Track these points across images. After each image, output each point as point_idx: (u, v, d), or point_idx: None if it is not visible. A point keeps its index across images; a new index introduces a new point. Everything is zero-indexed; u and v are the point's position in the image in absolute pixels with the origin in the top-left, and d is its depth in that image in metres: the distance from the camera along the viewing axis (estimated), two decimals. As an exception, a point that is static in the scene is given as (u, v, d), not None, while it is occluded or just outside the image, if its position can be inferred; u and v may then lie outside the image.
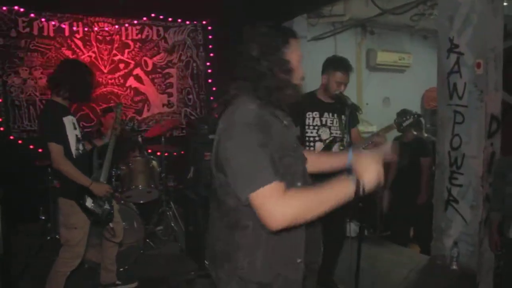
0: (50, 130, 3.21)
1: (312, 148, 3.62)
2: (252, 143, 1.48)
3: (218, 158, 1.58)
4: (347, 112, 3.08)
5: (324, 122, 3.62)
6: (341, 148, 3.62)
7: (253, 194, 1.43)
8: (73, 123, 3.38)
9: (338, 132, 3.64)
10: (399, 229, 5.41)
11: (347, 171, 1.58)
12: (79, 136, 3.44)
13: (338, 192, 1.50)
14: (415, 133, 5.24)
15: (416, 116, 3.68)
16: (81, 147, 3.43)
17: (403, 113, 5.42)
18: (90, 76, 3.53)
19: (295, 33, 1.76)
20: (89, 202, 3.38)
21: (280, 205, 1.42)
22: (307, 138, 3.60)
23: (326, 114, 3.64)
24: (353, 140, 3.71)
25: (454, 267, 3.99)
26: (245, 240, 1.60)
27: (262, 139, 1.49)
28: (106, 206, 3.57)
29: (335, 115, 3.63)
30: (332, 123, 3.64)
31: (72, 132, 3.33)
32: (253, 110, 1.57)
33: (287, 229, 1.49)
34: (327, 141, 3.61)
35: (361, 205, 1.57)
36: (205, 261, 1.87)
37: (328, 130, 3.63)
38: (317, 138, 3.62)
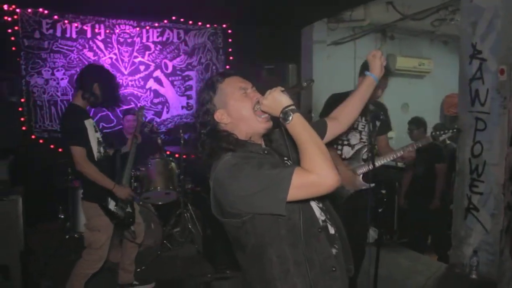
0: (72, 133, 3.24)
1: (339, 152, 3.53)
2: (249, 170, 1.50)
3: (223, 206, 1.60)
4: (382, 117, 3.05)
5: (355, 126, 3.51)
6: (369, 155, 3.44)
7: (290, 195, 1.44)
8: (94, 126, 3.41)
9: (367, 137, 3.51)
10: (417, 236, 5.37)
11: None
12: (100, 138, 3.46)
13: (301, 130, 1.53)
14: (431, 139, 5.20)
15: (456, 130, 3.60)
16: (102, 150, 3.45)
17: (415, 121, 5.41)
18: (113, 82, 3.55)
19: (225, 73, 1.78)
20: (112, 205, 3.40)
21: (317, 175, 1.43)
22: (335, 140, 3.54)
23: (358, 118, 3.58)
24: (380, 149, 3.67)
25: (474, 276, 3.94)
26: (267, 269, 1.61)
27: (257, 161, 1.53)
28: (128, 209, 3.60)
29: (368, 119, 3.46)
30: (364, 128, 3.52)
31: (93, 135, 3.35)
32: (230, 157, 1.59)
33: (308, 248, 1.58)
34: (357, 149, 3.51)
35: (380, 210, 1.57)
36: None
37: (358, 134, 3.53)
38: (345, 142, 3.53)
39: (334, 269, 1.63)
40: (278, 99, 1.59)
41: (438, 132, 3.54)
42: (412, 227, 5.43)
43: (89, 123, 3.33)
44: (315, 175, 1.43)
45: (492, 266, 3.83)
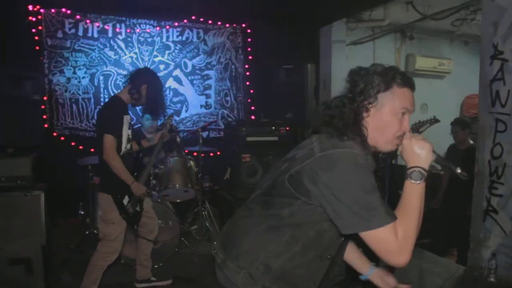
0: (110, 123, 3.39)
1: None
2: (364, 183, 1.46)
3: (300, 176, 1.54)
4: None
5: None
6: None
7: (367, 233, 1.45)
8: (129, 123, 3.56)
9: None
10: (438, 237, 5.30)
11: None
12: (130, 136, 3.61)
13: (418, 197, 1.52)
14: (471, 142, 5.13)
15: (433, 119, 3.58)
16: (129, 146, 3.59)
17: (460, 123, 5.32)
18: (162, 92, 3.75)
19: (408, 81, 1.66)
20: (125, 200, 3.50)
21: (399, 245, 1.45)
22: None
23: None
24: None
25: (492, 279, 3.89)
26: (275, 246, 1.63)
27: (372, 180, 1.48)
28: (138, 208, 3.71)
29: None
30: None
31: (126, 131, 3.49)
32: (357, 153, 1.51)
33: (310, 259, 1.63)
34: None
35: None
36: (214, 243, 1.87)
37: None
38: None
39: None
40: (423, 154, 1.54)
41: (417, 123, 3.52)
42: (444, 229, 5.33)
43: (126, 119, 3.49)
44: (399, 247, 1.44)
45: (511, 270, 3.78)
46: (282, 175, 1.61)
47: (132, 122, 6.18)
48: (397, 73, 1.62)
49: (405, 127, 1.61)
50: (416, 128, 3.54)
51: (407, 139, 1.57)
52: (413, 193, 1.51)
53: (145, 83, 3.52)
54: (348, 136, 1.54)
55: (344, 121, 1.57)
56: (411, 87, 1.65)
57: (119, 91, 3.90)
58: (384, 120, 1.60)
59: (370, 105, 1.59)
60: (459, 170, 1.61)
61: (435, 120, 3.59)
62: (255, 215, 1.71)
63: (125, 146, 3.51)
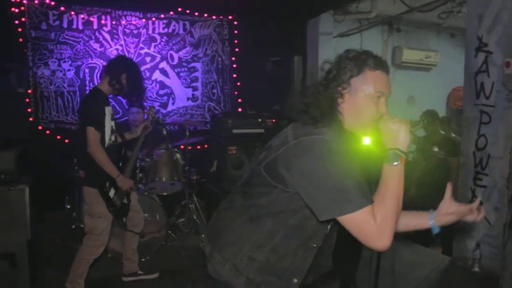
0: (92, 115, 3.35)
1: None
2: (337, 167, 1.45)
3: (276, 164, 1.55)
4: None
5: None
6: None
7: (344, 217, 1.44)
8: (111, 114, 3.52)
9: None
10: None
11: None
12: (113, 127, 3.57)
13: (394, 179, 1.48)
14: (442, 132, 5.18)
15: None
16: (113, 138, 3.56)
17: (429, 114, 5.39)
18: (141, 78, 3.74)
19: (381, 63, 1.63)
20: (111, 193, 3.47)
21: (378, 229, 1.43)
22: None
23: None
24: None
25: (476, 269, 3.95)
26: (257, 236, 1.63)
27: (347, 165, 1.46)
28: (125, 201, 3.68)
29: None
30: None
31: (109, 122, 3.46)
32: (331, 140, 1.51)
33: (294, 249, 1.63)
34: None
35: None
36: (202, 236, 1.88)
37: None
38: None
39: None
40: (400, 136, 1.51)
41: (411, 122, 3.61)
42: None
43: (108, 110, 3.45)
44: (378, 230, 1.43)
45: (495, 260, 3.83)
46: (259, 164, 1.63)
47: (116, 116, 6.17)
48: (369, 56, 1.61)
49: (382, 110, 1.60)
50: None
51: (384, 121, 1.55)
52: (391, 175, 1.49)
53: (123, 71, 3.49)
54: (323, 123, 1.54)
55: (320, 108, 1.56)
56: (385, 69, 1.62)
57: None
58: (359, 105, 1.58)
59: (344, 91, 1.59)
60: (436, 149, 1.64)
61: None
62: (237, 206, 1.72)
63: (109, 137, 3.48)
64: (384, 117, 1.56)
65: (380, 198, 1.46)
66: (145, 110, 5.02)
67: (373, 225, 1.42)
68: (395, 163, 1.48)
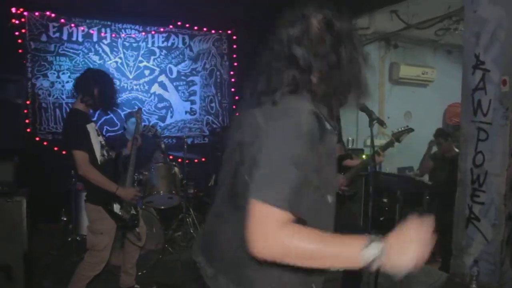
0: (74, 138, 3.25)
1: None
2: (292, 155, 1.26)
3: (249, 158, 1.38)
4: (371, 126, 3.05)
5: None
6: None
7: (257, 201, 1.23)
8: (96, 130, 3.40)
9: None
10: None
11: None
12: (103, 142, 3.46)
13: (345, 257, 1.23)
14: (457, 150, 5.19)
15: (407, 128, 3.74)
16: (105, 153, 3.45)
17: (442, 134, 5.44)
18: (113, 85, 3.56)
19: None
20: (116, 208, 3.39)
21: (278, 234, 1.20)
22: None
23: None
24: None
25: (474, 286, 3.93)
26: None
27: (304, 156, 1.28)
28: (133, 211, 3.60)
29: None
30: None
31: (96, 139, 3.35)
32: (308, 115, 1.34)
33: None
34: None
35: (381, 219, 1.57)
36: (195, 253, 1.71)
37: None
38: None
39: None
40: (408, 255, 1.25)
41: (396, 132, 3.68)
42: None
43: (91, 127, 3.33)
44: (272, 241, 1.20)
45: (493, 276, 3.83)
46: (239, 165, 1.45)
47: (114, 128, 6.17)
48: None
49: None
50: (397, 137, 3.63)
51: (410, 229, 1.27)
52: (351, 258, 1.21)
53: (95, 86, 3.36)
54: (298, 92, 1.43)
55: (293, 76, 1.46)
56: None
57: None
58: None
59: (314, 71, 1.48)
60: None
61: (410, 130, 3.73)
62: (230, 217, 1.52)
63: (100, 154, 3.37)
64: (415, 225, 1.26)
65: (319, 242, 1.22)
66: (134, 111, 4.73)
67: (275, 232, 1.20)
68: (370, 257, 1.19)
